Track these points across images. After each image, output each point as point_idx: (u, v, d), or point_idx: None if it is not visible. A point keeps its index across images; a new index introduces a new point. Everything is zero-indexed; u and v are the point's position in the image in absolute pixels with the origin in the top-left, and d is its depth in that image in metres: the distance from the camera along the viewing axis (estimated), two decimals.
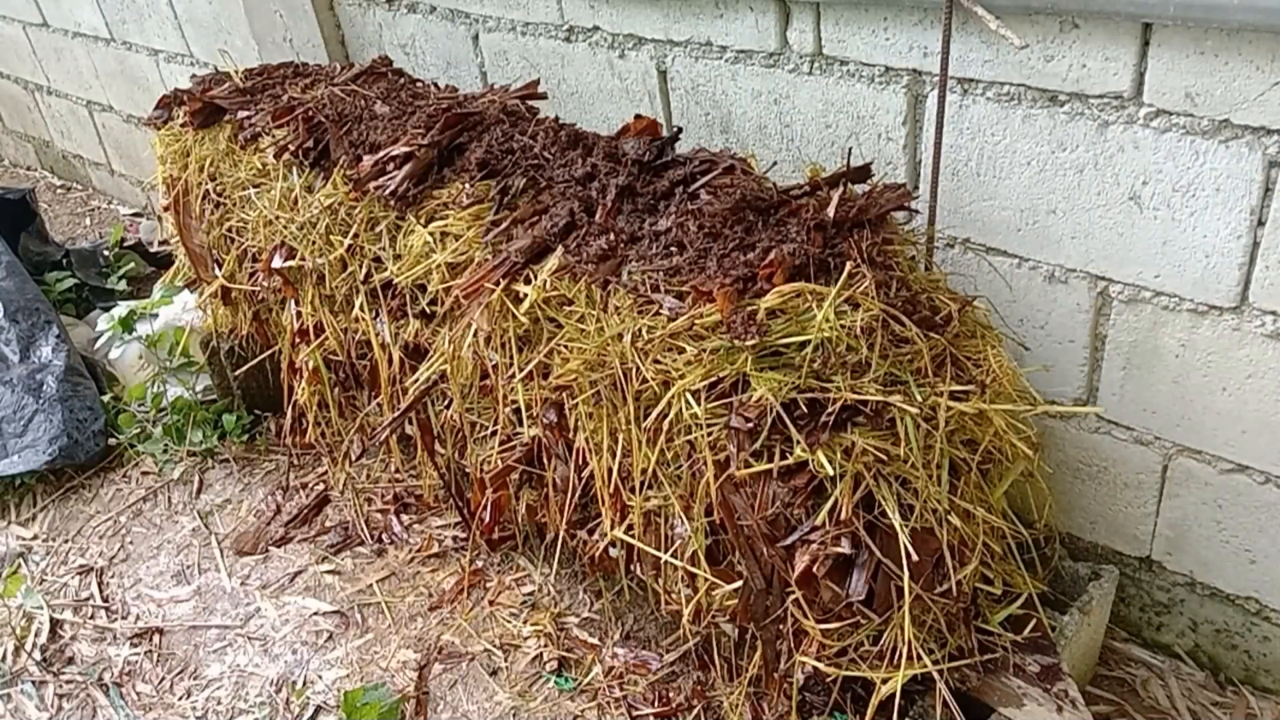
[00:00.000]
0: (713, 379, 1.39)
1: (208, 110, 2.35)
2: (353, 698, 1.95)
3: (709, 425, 1.39)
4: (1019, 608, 1.61)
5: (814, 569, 1.36)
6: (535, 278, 1.63)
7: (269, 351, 2.48)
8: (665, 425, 1.45)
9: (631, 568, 1.79)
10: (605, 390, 1.54)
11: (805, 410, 1.34)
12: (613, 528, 1.65)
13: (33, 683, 2.17)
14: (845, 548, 1.34)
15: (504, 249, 1.69)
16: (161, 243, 3.75)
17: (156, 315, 2.96)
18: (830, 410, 1.33)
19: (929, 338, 1.42)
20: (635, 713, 1.91)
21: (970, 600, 1.53)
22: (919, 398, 1.36)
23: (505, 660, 2.06)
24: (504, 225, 1.73)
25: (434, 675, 2.06)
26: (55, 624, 2.31)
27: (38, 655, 2.23)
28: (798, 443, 1.32)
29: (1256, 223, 1.45)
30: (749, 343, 1.35)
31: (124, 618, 2.31)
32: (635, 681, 1.97)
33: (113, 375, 2.99)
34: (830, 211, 1.51)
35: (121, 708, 2.09)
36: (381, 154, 1.94)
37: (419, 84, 2.35)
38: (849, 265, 1.43)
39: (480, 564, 2.30)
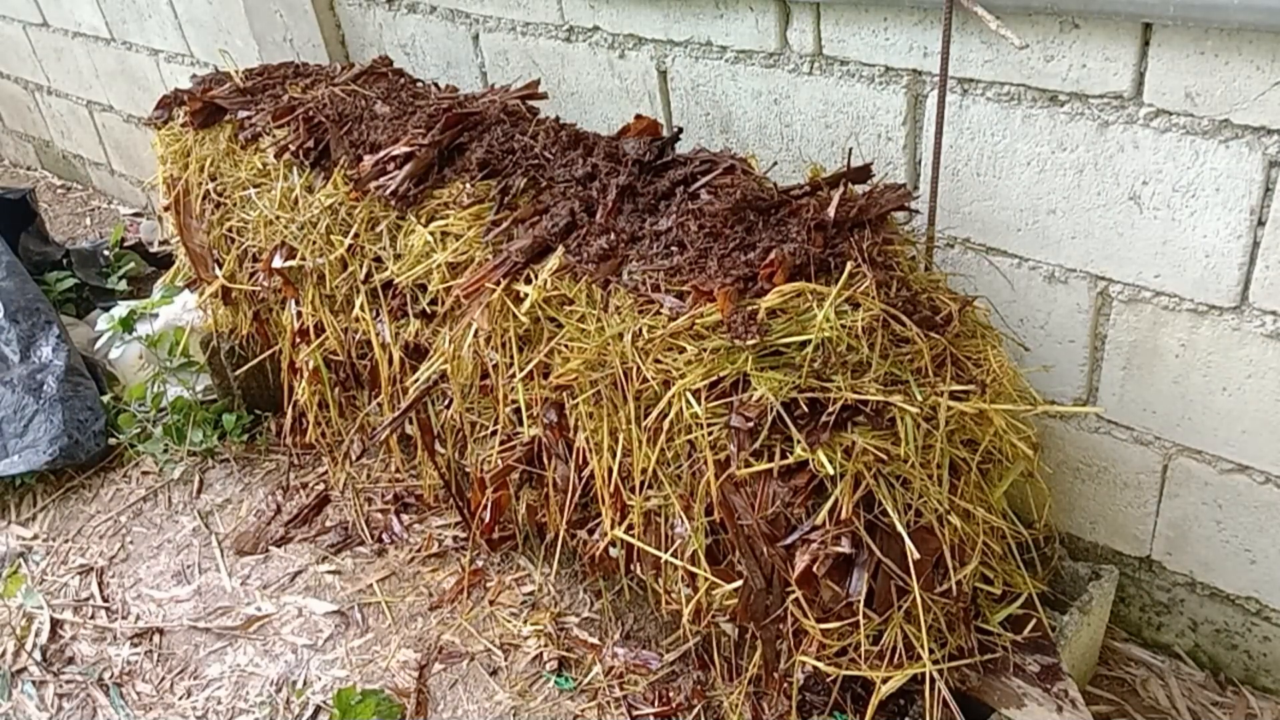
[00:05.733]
0: (713, 378, 1.39)
1: (208, 110, 2.35)
2: (346, 696, 1.95)
3: (709, 425, 1.39)
4: (1019, 608, 1.61)
5: (814, 568, 1.36)
6: (536, 277, 1.63)
7: (269, 351, 2.48)
8: (665, 425, 1.45)
9: (631, 567, 1.79)
10: (605, 390, 1.54)
11: (805, 410, 1.34)
12: (613, 527, 1.65)
13: (33, 683, 2.17)
14: (845, 547, 1.34)
15: (504, 249, 1.69)
16: (162, 243, 3.75)
17: (157, 315, 2.96)
18: (830, 410, 1.33)
19: (929, 337, 1.42)
20: (635, 712, 1.91)
21: (970, 600, 1.53)
22: (919, 397, 1.36)
23: (505, 660, 2.06)
24: (504, 225, 1.73)
25: (434, 675, 2.06)
26: (55, 624, 2.31)
27: (38, 655, 2.23)
28: (798, 442, 1.32)
29: (1256, 223, 1.45)
30: (749, 342, 1.35)
31: (124, 618, 2.31)
32: (635, 681, 1.97)
33: (113, 375, 2.99)
34: (831, 211, 1.51)
35: (121, 708, 2.09)
36: (382, 154, 1.94)
37: (419, 84, 2.35)
38: (849, 265, 1.43)
39: (480, 564, 2.30)
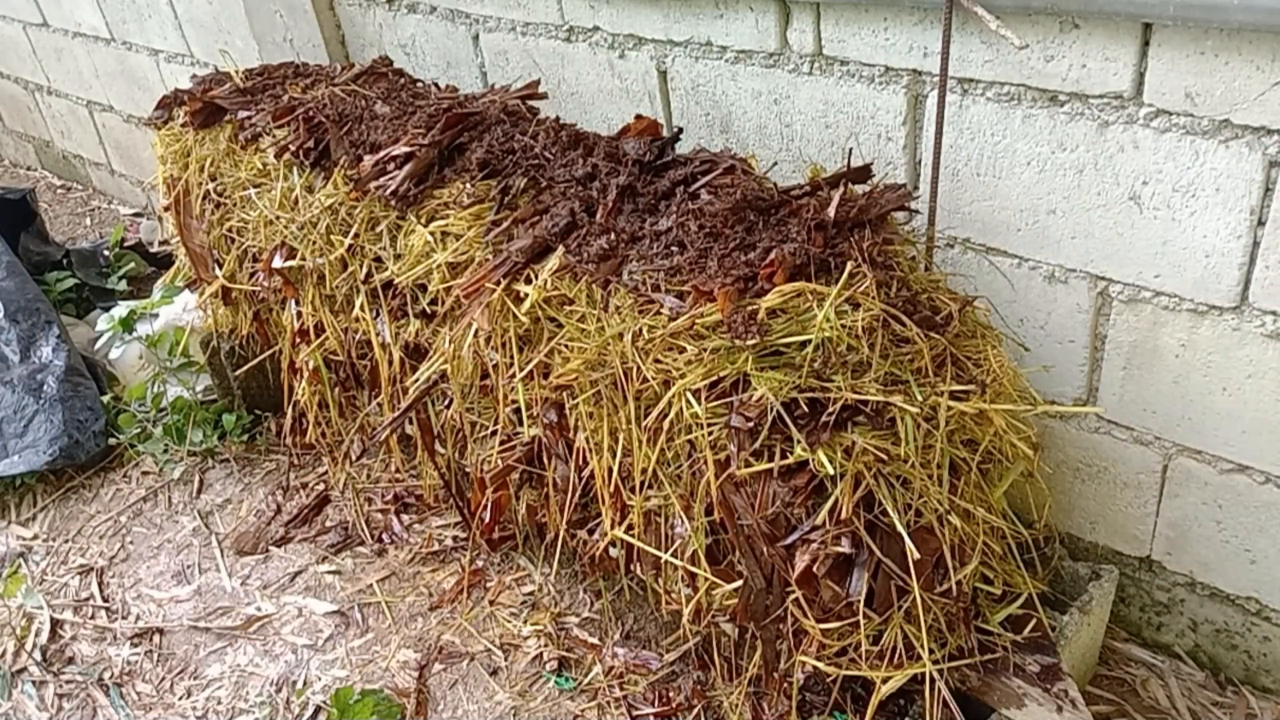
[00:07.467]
0: (713, 378, 1.39)
1: (208, 110, 2.35)
2: (344, 695, 1.95)
3: (709, 425, 1.39)
4: (1019, 608, 1.61)
5: (814, 568, 1.36)
6: (536, 277, 1.63)
7: (269, 351, 2.48)
8: (665, 425, 1.45)
9: (631, 567, 1.79)
10: (606, 390, 1.54)
11: (806, 410, 1.34)
12: (613, 527, 1.65)
13: (33, 683, 2.17)
14: (845, 547, 1.34)
15: (505, 249, 1.69)
16: (162, 243, 3.75)
17: (157, 315, 2.96)
18: (831, 410, 1.33)
19: (929, 337, 1.42)
20: (635, 713, 1.91)
21: (970, 600, 1.53)
22: (919, 397, 1.36)
23: (505, 660, 2.06)
24: (505, 225, 1.73)
25: (434, 675, 2.06)
26: (55, 624, 2.31)
27: (38, 655, 2.23)
28: (798, 442, 1.32)
29: (1256, 223, 1.45)
30: (749, 342, 1.35)
31: (124, 618, 2.31)
32: (635, 681, 1.97)
33: (113, 375, 2.99)
34: (831, 211, 1.51)
35: (121, 708, 2.09)
36: (382, 154, 1.94)
37: (419, 84, 2.35)
38: (849, 265, 1.43)
39: (480, 564, 2.30)
